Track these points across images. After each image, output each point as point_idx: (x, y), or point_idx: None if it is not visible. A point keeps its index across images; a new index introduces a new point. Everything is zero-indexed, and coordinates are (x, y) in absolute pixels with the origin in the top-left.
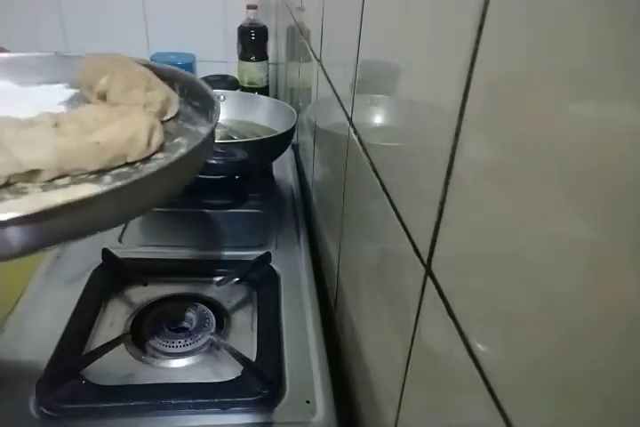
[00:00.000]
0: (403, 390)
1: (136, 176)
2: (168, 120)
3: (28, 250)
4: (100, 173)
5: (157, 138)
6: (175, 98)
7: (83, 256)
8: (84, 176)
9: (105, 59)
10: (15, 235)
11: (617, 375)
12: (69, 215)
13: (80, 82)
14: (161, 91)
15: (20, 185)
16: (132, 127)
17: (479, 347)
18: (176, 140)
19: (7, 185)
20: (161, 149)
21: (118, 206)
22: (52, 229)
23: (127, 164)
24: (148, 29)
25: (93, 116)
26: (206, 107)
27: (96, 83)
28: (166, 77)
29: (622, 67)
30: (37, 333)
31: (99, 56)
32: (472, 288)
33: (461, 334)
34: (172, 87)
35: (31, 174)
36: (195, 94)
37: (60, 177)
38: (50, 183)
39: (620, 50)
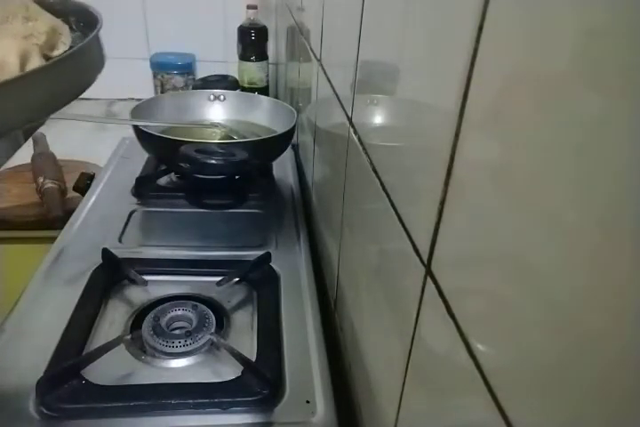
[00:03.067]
0: (403, 390)
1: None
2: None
3: None
4: None
5: (35, 66)
6: (64, 28)
7: (83, 256)
8: None
9: None
10: None
11: (617, 375)
12: None
13: None
14: (44, 20)
15: None
16: None
17: (479, 347)
18: None
19: None
20: None
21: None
22: None
23: None
24: (148, 29)
25: None
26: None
27: None
28: (58, 11)
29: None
30: (37, 333)
31: None
32: (472, 288)
33: (461, 334)
34: (68, 21)
35: None
36: (89, 23)
37: None
38: None
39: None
